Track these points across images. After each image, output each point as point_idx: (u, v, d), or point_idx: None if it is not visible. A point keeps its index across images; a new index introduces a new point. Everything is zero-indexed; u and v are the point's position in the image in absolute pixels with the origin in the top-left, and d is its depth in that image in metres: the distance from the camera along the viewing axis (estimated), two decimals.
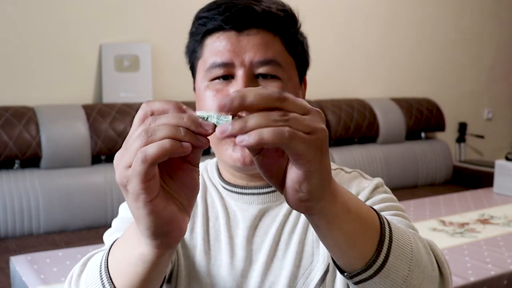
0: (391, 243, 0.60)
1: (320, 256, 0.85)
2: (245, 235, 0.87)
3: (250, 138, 0.49)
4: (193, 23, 0.86)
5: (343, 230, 0.58)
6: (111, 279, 0.61)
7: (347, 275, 0.61)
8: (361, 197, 0.85)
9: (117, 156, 0.53)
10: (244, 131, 0.49)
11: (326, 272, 0.84)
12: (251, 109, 0.50)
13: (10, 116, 2.69)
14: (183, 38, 0.91)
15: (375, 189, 0.87)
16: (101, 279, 0.62)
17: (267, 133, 0.49)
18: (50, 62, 2.98)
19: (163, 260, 0.58)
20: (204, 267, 0.87)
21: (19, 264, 1.97)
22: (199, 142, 0.51)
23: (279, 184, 0.55)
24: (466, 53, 4.64)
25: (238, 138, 0.49)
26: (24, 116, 2.72)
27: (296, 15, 0.87)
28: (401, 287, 0.61)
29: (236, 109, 0.50)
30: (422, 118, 4.06)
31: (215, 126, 0.51)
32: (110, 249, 0.64)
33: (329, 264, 0.84)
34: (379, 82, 4.19)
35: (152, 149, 0.49)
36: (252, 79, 0.81)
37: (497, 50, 4.85)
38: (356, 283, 0.61)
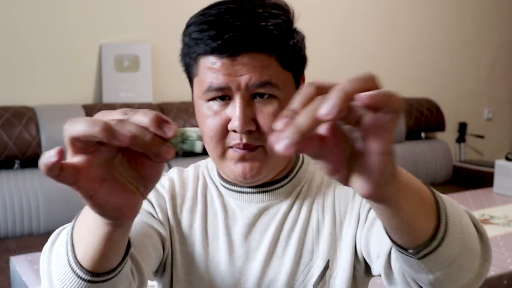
0: (447, 211, 0.61)
1: (319, 253, 0.85)
2: (243, 232, 0.87)
3: (328, 110, 0.44)
4: (185, 34, 0.83)
5: (409, 207, 0.57)
6: (73, 246, 0.61)
7: (413, 252, 0.61)
8: None
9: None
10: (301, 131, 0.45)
11: (325, 268, 0.84)
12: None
13: (10, 116, 2.69)
14: (181, 39, 0.91)
15: None
16: (66, 246, 0.62)
17: (374, 91, 0.46)
18: (50, 62, 2.98)
19: (117, 234, 0.57)
20: (202, 264, 0.87)
21: (19, 264, 1.97)
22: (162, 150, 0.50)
23: (345, 180, 0.52)
24: (466, 53, 4.64)
25: (323, 110, 0.44)
26: (24, 116, 2.72)
27: (292, 15, 0.85)
28: (460, 252, 0.62)
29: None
30: (422, 118, 4.06)
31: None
32: (76, 218, 0.64)
33: (328, 260, 0.85)
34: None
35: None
36: (249, 101, 0.80)
37: (497, 50, 4.85)
38: (421, 258, 0.61)
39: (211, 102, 0.82)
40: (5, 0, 2.85)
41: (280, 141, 0.45)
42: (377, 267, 0.77)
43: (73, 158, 0.51)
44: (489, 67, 4.82)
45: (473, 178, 4.04)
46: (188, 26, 0.83)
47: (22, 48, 2.91)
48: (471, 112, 4.72)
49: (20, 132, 2.68)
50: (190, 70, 0.85)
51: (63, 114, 2.83)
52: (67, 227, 0.66)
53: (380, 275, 0.77)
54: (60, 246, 0.64)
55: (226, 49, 0.78)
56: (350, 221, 0.85)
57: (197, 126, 0.76)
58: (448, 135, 4.48)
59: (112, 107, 2.95)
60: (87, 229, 0.59)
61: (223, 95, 0.81)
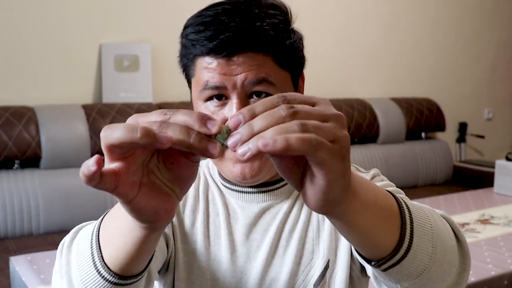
0: (413, 224, 0.61)
1: (320, 253, 0.86)
2: (244, 232, 0.88)
3: (276, 144, 0.46)
4: (183, 36, 0.84)
5: (366, 225, 0.57)
6: (100, 248, 0.61)
7: (374, 264, 0.61)
8: None
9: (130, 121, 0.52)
10: (268, 140, 0.46)
11: (325, 268, 0.85)
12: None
13: (10, 116, 2.69)
14: (179, 40, 0.91)
15: (372, 179, 0.87)
16: (91, 247, 0.62)
17: (295, 141, 0.46)
18: (50, 62, 2.98)
19: (151, 238, 0.58)
20: (204, 263, 0.87)
21: (19, 264, 1.97)
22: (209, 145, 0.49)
23: (297, 184, 0.54)
24: (466, 53, 4.64)
25: (262, 142, 0.46)
26: (24, 116, 2.72)
27: (289, 15, 0.85)
28: (428, 264, 0.61)
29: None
30: (422, 118, 4.06)
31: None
32: (102, 219, 0.64)
33: (328, 260, 0.85)
34: (379, 82, 4.19)
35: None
36: (246, 100, 0.80)
37: (497, 50, 4.84)
38: (384, 270, 0.61)
39: (208, 103, 0.82)
40: (5, 0, 2.85)
41: (243, 147, 0.47)
42: (368, 269, 0.78)
43: (111, 165, 0.50)
44: (490, 67, 4.82)
45: (474, 178, 4.04)
46: (185, 27, 0.84)
47: (22, 48, 2.91)
48: (471, 112, 4.72)
49: (20, 132, 2.68)
50: (188, 71, 0.86)
51: (63, 114, 2.83)
52: (88, 226, 0.66)
53: None
54: (83, 247, 0.63)
55: (222, 49, 0.78)
56: None
57: None
58: (449, 135, 4.48)
59: (111, 107, 2.95)
60: (119, 232, 0.59)
61: (220, 95, 0.81)
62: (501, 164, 3.26)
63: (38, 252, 2.15)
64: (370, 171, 0.90)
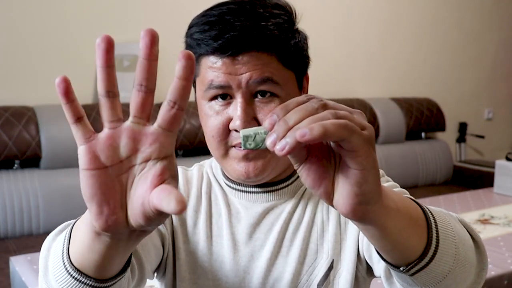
0: (437, 227, 0.62)
1: (324, 253, 0.86)
2: (247, 232, 0.88)
3: (314, 131, 0.48)
4: (187, 35, 0.85)
5: (396, 228, 0.58)
6: (69, 245, 0.61)
7: (403, 269, 0.62)
8: None
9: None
10: (305, 130, 0.48)
11: (329, 268, 0.85)
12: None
13: (10, 116, 2.69)
14: (183, 38, 0.91)
15: None
16: (63, 244, 0.62)
17: (331, 125, 0.48)
18: (50, 62, 2.98)
19: (105, 243, 0.55)
20: (206, 263, 0.87)
21: (19, 265, 1.97)
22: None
23: (327, 195, 0.55)
24: (466, 53, 4.64)
25: (299, 133, 0.48)
26: (24, 116, 2.72)
27: (294, 15, 0.86)
28: (452, 265, 0.62)
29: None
30: (422, 118, 4.06)
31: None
32: (71, 232, 0.63)
33: (333, 260, 0.85)
34: (379, 82, 4.19)
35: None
36: (250, 99, 0.81)
37: (497, 50, 4.85)
38: (412, 274, 0.62)
39: (212, 102, 0.82)
40: (5, 0, 2.85)
41: (280, 143, 0.49)
42: (378, 270, 0.78)
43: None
44: (490, 67, 4.82)
45: (474, 178, 4.04)
46: (190, 27, 0.84)
47: (22, 48, 2.91)
48: (471, 112, 4.72)
49: (20, 132, 2.68)
50: None
51: (63, 114, 2.76)
52: (64, 231, 0.66)
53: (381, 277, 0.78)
54: (57, 251, 0.64)
55: (227, 49, 0.78)
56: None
57: (200, 126, 0.77)
58: (449, 135, 4.48)
59: None
60: (82, 231, 0.58)
61: (224, 94, 0.81)
62: (501, 164, 3.26)
63: (38, 252, 2.15)
64: None
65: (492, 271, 2.05)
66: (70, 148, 2.77)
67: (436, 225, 0.62)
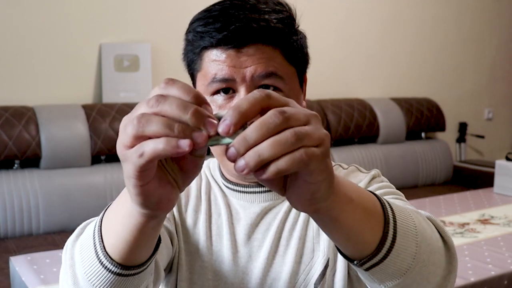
0: (396, 223, 0.61)
1: (320, 251, 0.86)
2: (246, 232, 0.88)
3: (268, 173, 0.48)
4: (189, 31, 0.84)
5: (349, 221, 0.57)
6: (102, 238, 0.61)
7: (357, 263, 0.61)
8: None
9: (122, 122, 0.52)
10: (259, 162, 0.48)
11: (326, 267, 0.85)
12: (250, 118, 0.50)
13: (10, 116, 2.69)
14: (183, 38, 0.91)
15: (372, 179, 0.88)
16: (94, 238, 0.62)
17: (284, 163, 0.48)
18: (50, 62, 2.98)
19: (150, 225, 0.57)
20: (206, 263, 0.88)
21: (19, 264, 1.97)
22: (195, 140, 0.48)
23: (281, 189, 0.55)
24: (466, 53, 4.64)
25: (255, 175, 0.49)
26: (24, 116, 2.72)
27: (294, 14, 0.86)
28: (411, 264, 0.61)
29: (239, 125, 0.49)
30: (422, 118, 4.06)
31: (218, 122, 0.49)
32: (105, 211, 0.64)
33: (328, 259, 0.85)
34: (379, 82, 4.19)
35: (148, 148, 0.48)
36: None
37: (497, 50, 4.84)
38: (367, 269, 0.61)
39: (215, 96, 0.82)
40: (5, 0, 2.85)
41: (239, 162, 0.48)
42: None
43: None
44: (490, 67, 4.82)
45: (473, 178, 4.04)
46: (192, 23, 0.84)
47: (22, 48, 2.91)
48: (471, 112, 4.72)
49: (20, 132, 2.68)
50: (193, 67, 0.85)
51: (63, 114, 2.83)
52: (93, 221, 0.66)
53: None
54: (86, 239, 0.63)
55: (231, 40, 0.78)
56: None
57: None
58: (448, 135, 4.48)
59: (111, 107, 2.95)
60: (118, 220, 0.59)
61: (227, 88, 0.81)
62: (501, 164, 3.26)
63: (38, 252, 2.15)
64: (370, 171, 0.90)
65: (492, 271, 2.05)
66: (70, 148, 2.77)
67: (394, 221, 0.61)
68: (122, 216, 0.58)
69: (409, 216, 0.63)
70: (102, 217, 0.63)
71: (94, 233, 0.62)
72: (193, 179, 0.56)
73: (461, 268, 2.06)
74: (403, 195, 0.86)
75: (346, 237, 0.59)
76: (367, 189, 0.85)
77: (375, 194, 0.63)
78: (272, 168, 0.48)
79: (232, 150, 0.48)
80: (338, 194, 0.56)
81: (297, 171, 0.51)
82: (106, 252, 0.60)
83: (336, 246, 0.64)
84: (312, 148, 0.49)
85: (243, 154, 0.48)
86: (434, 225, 0.68)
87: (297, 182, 0.52)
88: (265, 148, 0.48)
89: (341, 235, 0.59)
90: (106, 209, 0.64)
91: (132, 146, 0.50)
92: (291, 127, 0.49)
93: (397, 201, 0.79)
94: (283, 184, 0.55)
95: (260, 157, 0.48)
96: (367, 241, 0.59)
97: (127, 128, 0.50)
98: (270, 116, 0.49)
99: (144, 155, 0.48)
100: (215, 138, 0.50)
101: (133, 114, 0.50)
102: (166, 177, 0.54)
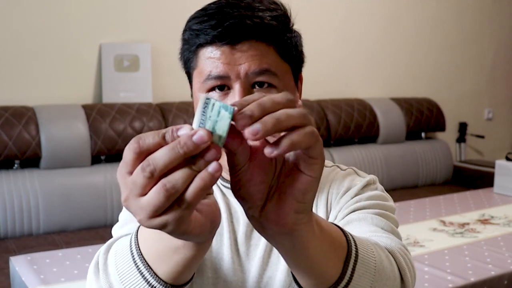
0: (357, 261, 0.61)
1: None
2: (245, 231, 0.88)
3: (282, 147, 0.47)
4: (185, 31, 0.86)
5: (317, 249, 0.57)
6: (141, 253, 0.62)
7: None
8: (351, 192, 0.87)
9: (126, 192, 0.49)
10: (277, 126, 0.47)
11: None
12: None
13: (10, 116, 2.69)
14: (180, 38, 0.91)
15: (366, 186, 0.88)
16: (132, 253, 0.63)
17: (297, 136, 0.48)
18: (50, 62, 2.98)
19: (202, 249, 0.58)
20: (206, 261, 0.88)
21: (19, 264, 1.97)
22: (213, 158, 0.47)
23: (260, 201, 0.53)
24: (466, 53, 4.64)
25: (267, 150, 0.48)
26: (23, 116, 2.72)
27: (289, 13, 0.87)
28: None
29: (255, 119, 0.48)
30: (422, 118, 4.06)
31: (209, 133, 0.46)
32: (137, 241, 0.64)
33: None
34: (379, 82, 4.19)
35: (192, 193, 0.46)
36: (249, 90, 0.81)
37: (497, 50, 4.84)
38: None
39: (210, 93, 0.83)
40: (5, 0, 2.85)
41: (255, 126, 0.47)
42: None
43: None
44: (490, 67, 4.82)
45: (473, 178, 4.03)
46: (188, 22, 0.85)
47: (22, 48, 2.91)
48: (471, 112, 4.72)
49: (20, 132, 2.68)
50: (189, 65, 0.87)
51: (63, 114, 2.82)
52: (121, 243, 0.67)
53: None
54: (120, 256, 0.65)
55: (226, 36, 0.79)
56: (333, 219, 0.87)
57: None
58: (448, 135, 4.48)
59: (111, 107, 2.95)
60: (166, 248, 0.59)
61: (222, 85, 0.82)
62: (501, 164, 3.26)
63: (38, 252, 2.15)
64: (366, 177, 0.90)
65: (492, 271, 2.05)
66: (70, 148, 2.77)
67: (356, 258, 0.61)
68: (168, 247, 0.59)
69: (372, 253, 0.63)
70: (138, 235, 0.63)
71: (131, 248, 0.63)
72: (215, 227, 0.55)
73: (461, 268, 2.07)
74: (393, 208, 0.86)
75: (309, 267, 0.58)
76: (358, 194, 0.86)
77: (341, 229, 0.62)
78: (286, 141, 0.47)
79: (246, 112, 0.47)
80: (311, 220, 0.56)
81: (297, 163, 0.51)
82: (160, 278, 0.61)
83: (293, 277, 0.63)
84: (317, 132, 0.50)
85: (258, 119, 0.47)
86: (397, 263, 0.68)
87: (289, 186, 0.52)
88: (281, 115, 0.48)
89: (306, 264, 0.58)
90: (137, 240, 0.64)
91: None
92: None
93: (378, 218, 0.80)
94: (265, 196, 0.53)
95: (278, 121, 0.47)
96: (328, 274, 0.59)
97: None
98: (281, 95, 0.50)
99: (188, 199, 0.47)
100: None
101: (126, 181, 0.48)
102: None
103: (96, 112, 2.89)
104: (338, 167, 0.93)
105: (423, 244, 2.33)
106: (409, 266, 0.69)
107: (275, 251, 0.87)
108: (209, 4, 0.84)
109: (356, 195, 0.86)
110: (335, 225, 0.63)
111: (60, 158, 2.76)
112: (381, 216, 0.81)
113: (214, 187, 0.92)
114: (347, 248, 0.60)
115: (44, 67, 2.97)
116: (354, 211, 0.83)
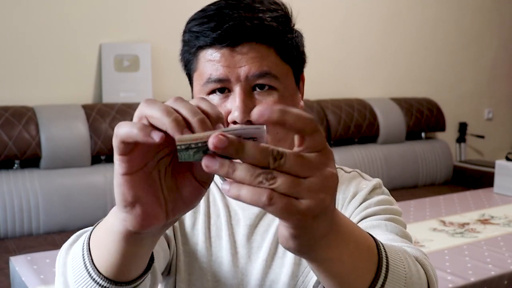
0: (388, 270, 0.57)
1: None
2: (245, 233, 0.88)
3: (230, 192, 0.45)
4: (185, 32, 0.85)
5: (344, 262, 0.54)
6: (90, 251, 0.61)
7: None
8: (359, 197, 0.85)
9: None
10: (228, 176, 0.45)
11: None
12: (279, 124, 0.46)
13: (10, 116, 2.69)
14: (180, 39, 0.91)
15: (373, 190, 0.87)
16: (83, 250, 0.62)
17: (245, 192, 0.45)
18: (50, 62, 2.98)
19: (132, 242, 0.56)
20: (205, 264, 0.87)
21: (19, 264, 1.97)
22: (172, 134, 0.47)
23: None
24: (466, 53, 4.64)
25: (222, 186, 0.46)
26: (24, 116, 2.72)
27: (290, 14, 0.86)
28: None
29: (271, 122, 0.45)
30: (422, 118, 4.06)
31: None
32: (95, 226, 0.64)
33: None
34: (379, 82, 4.19)
35: (125, 128, 0.49)
36: (249, 92, 0.81)
37: (497, 49, 4.84)
38: None
39: (211, 96, 0.82)
40: (5, 0, 2.85)
41: (235, 188, 0.45)
42: None
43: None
44: (490, 67, 4.82)
45: (474, 178, 4.04)
46: (188, 23, 0.85)
47: (22, 48, 2.91)
48: (471, 112, 4.72)
49: (20, 132, 2.68)
50: (189, 67, 0.86)
51: (63, 114, 2.82)
52: (87, 231, 0.66)
53: None
54: (77, 250, 0.64)
55: (225, 39, 0.79)
56: None
57: None
58: (449, 135, 4.48)
59: (111, 107, 2.95)
60: (104, 235, 0.59)
61: (222, 88, 0.81)
62: (501, 164, 3.26)
63: (38, 252, 2.15)
64: (372, 180, 0.89)
65: (492, 271, 2.05)
66: (70, 148, 2.77)
67: (387, 267, 0.57)
68: (108, 229, 0.58)
69: (401, 260, 0.60)
70: (92, 230, 0.63)
71: (83, 245, 0.62)
72: (185, 211, 0.54)
73: (461, 268, 2.07)
74: (400, 212, 0.85)
75: (338, 278, 0.55)
76: (366, 199, 0.84)
77: (371, 236, 0.59)
78: (234, 188, 0.45)
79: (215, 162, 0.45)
80: (337, 232, 0.52)
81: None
82: (95, 266, 0.60)
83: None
84: (283, 197, 0.45)
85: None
86: (421, 265, 0.65)
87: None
88: (239, 168, 0.45)
89: (333, 276, 0.55)
90: (96, 225, 0.63)
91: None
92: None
93: (392, 224, 0.78)
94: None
95: (234, 172, 0.45)
96: (359, 284, 0.55)
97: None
98: (269, 153, 0.45)
99: (118, 134, 0.49)
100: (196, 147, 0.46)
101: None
102: (156, 191, 0.53)
103: (96, 112, 2.89)
104: (342, 169, 0.92)
105: (423, 244, 2.33)
106: (435, 275, 0.67)
107: (278, 253, 0.86)
108: (209, 5, 0.83)
109: (364, 200, 0.85)
110: (371, 236, 0.59)
111: (60, 158, 2.76)
112: (393, 222, 0.80)
113: (214, 188, 0.92)
114: (378, 256, 0.57)
115: (44, 67, 2.97)
116: (365, 217, 0.81)
